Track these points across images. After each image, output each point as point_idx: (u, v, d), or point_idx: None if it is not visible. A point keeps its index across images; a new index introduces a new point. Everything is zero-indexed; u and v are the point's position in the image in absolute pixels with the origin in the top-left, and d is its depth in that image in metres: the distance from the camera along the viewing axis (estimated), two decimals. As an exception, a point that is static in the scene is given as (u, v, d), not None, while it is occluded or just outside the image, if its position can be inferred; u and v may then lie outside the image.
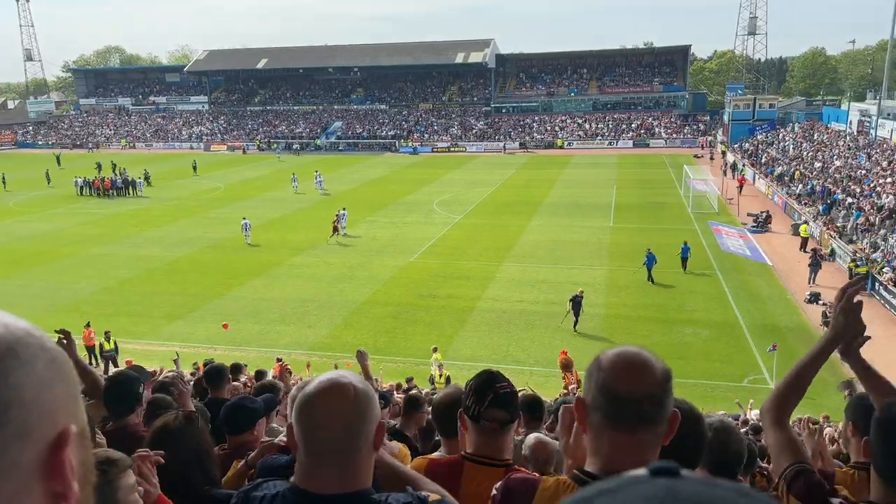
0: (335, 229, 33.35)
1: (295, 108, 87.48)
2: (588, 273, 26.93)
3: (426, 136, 77.45)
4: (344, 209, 35.73)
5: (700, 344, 20.33)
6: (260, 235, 34.42)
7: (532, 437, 3.56)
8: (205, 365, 9.02)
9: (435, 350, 18.17)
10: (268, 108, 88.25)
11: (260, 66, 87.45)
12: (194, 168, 59.03)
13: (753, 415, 13.17)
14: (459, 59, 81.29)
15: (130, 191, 49.21)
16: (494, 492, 1.84)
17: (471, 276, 27.04)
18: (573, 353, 16.42)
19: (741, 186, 41.90)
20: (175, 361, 14.34)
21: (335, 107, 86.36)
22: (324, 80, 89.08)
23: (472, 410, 2.39)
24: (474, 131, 77.41)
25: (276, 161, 66.68)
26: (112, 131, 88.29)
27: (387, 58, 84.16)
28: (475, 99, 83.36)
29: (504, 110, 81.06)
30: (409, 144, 74.62)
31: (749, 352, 19.61)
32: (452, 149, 73.28)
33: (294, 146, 76.54)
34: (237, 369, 9.98)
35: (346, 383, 1.54)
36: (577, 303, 21.19)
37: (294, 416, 1.56)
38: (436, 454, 2.76)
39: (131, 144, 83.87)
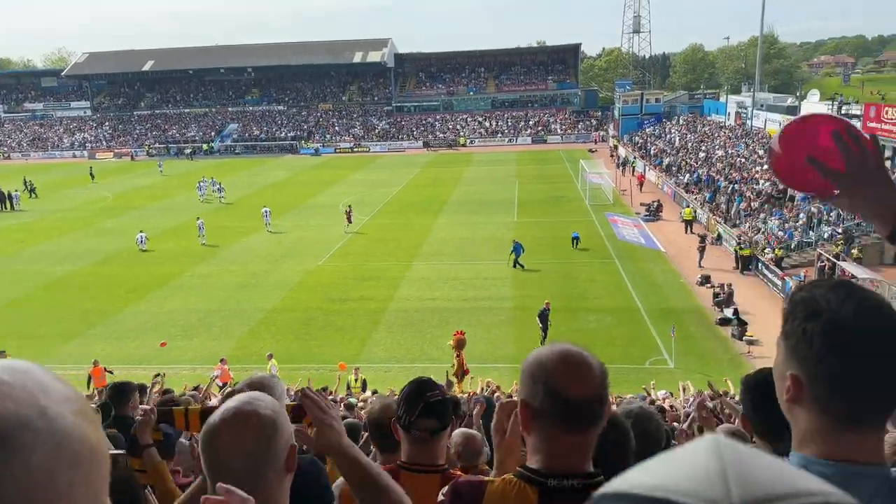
0: (349, 218, 35.06)
1: (186, 111, 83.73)
2: (496, 268, 27.49)
3: (328, 136, 76.34)
4: (265, 207, 36.54)
5: (603, 330, 21.25)
6: (157, 245, 32.79)
7: (458, 433, 3.63)
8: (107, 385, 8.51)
9: (270, 357, 17.78)
10: (157, 111, 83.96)
11: (146, 68, 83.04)
12: (91, 175, 56.36)
13: (659, 394, 13.93)
14: (358, 58, 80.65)
15: (7, 205, 45.44)
16: (441, 497, 1.85)
17: (381, 277, 26.95)
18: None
19: (641, 184, 43.72)
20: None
21: (230, 108, 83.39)
22: (216, 81, 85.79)
23: (403, 420, 2.40)
24: (377, 131, 77.07)
25: (171, 166, 63.56)
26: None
27: (282, 57, 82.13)
28: (376, 98, 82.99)
29: (406, 109, 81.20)
30: (311, 146, 73.27)
31: (649, 335, 20.71)
32: (356, 149, 72.60)
33: (186, 151, 73.22)
34: (143, 391, 9.46)
35: (250, 411, 1.50)
36: (544, 317, 20.24)
37: (199, 447, 1.52)
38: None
39: (5, 155, 77.41)
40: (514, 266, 27.08)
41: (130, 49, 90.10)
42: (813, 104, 43.32)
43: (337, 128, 78.38)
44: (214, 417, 1.53)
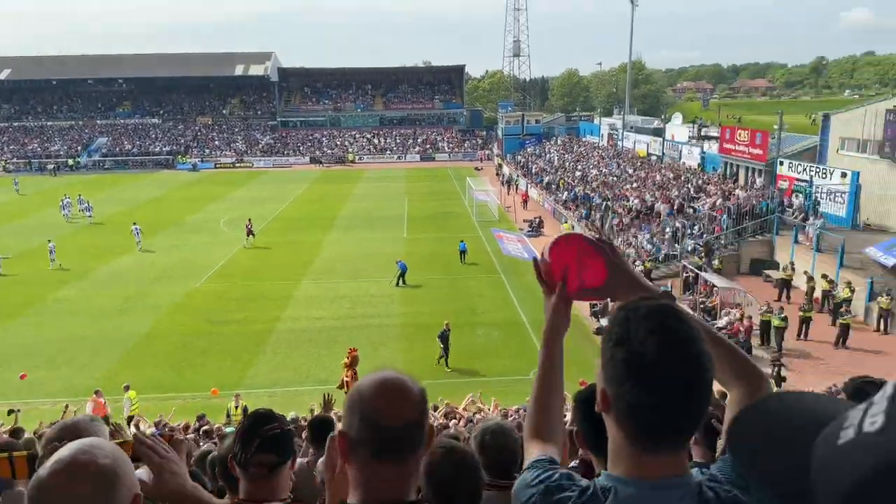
0: (250, 232, 34.46)
1: (49, 123, 77.51)
2: (386, 285, 27.39)
3: (207, 151, 73.26)
4: (136, 224, 34.87)
5: (492, 344, 21.71)
6: (16, 267, 29.96)
7: (321, 462, 3.52)
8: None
9: (127, 388, 16.51)
10: (14, 124, 77.05)
11: (2, 76, 76.18)
12: None
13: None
14: (239, 70, 78.32)
15: None
16: None
17: (267, 297, 26.08)
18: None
19: (525, 202, 45.30)
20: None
21: (98, 121, 78.08)
22: (84, 92, 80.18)
23: (239, 457, 2.29)
24: (260, 146, 74.93)
25: (32, 183, 58.36)
26: None
27: (158, 68, 78.13)
28: (259, 113, 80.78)
29: (291, 124, 79.58)
30: (188, 161, 69.95)
31: (533, 346, 21.36)
32: (238, 164, 70.14)
33: (49, 166, 67.65)
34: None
35: (87, 461, 1.38)
36: (444, 338, 19.80)
37: (27, 501, 1.39)
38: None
39: None
40: (398, 284, 27.14)
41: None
42: (676, 126, 46.86)
43: (217, 142, 75.43)
44: (44, 469, 1.38)
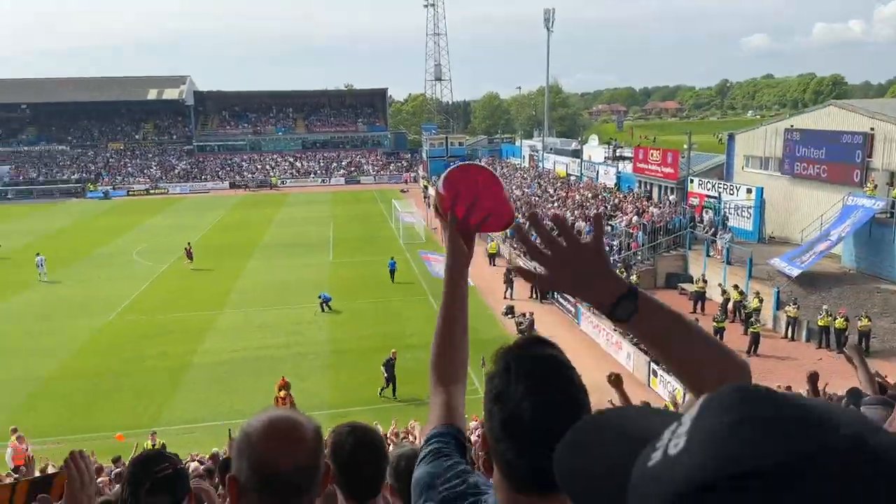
0: (189, 255, 34.28)
1: (-58, 151, 72.36)
2: (312, 310, 26.78)
3: (119, 178, 70.15)
4: (40, 255, 33.09)
5: (421, 366, 21.49)
6: None
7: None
8: None
9: (14, 431, 15.20)
10: None
11: None
12: None
13: (471, 425, 14.26)
14: (153, 94, 75.73)
15: None
16: None
17: (184, 330, 24.95)
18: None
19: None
20: None
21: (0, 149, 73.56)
22: (-19, 117, 75.38)
23: (128, 503, 2.16)
24: (176, 171, 72.43)
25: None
26: None
27: (65, 93, 74.45)
28: (174, 137, 78.22)
29: (209, 149, 77.37)
30: (100, 188, 66.73)
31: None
32: (152, 191, 67.46)
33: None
34: None
35: None
36: (390, 366, 19.35)
37: None
38: None
39: None
40: (323, 310, 26.67)
41: None
42: (593, 147, 48.54)
43: (130, 168, 72.43)
44: None
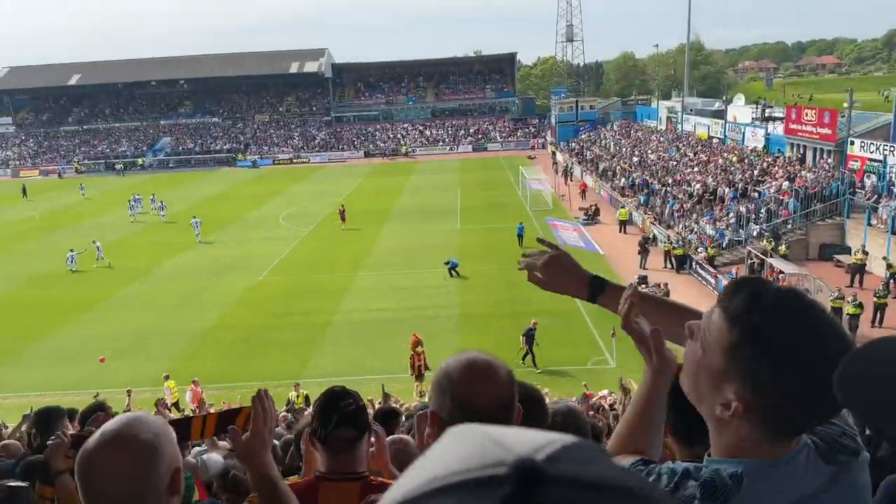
0: (342, 216, 37.18)
1: (116, 125, 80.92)
2: (441, 275, 27.47)
3: (265, 148, 75.05)
4: (195, 217, 36.21)
5: (548, 333, 21.45)
6: (86, 265, 31.44)
7: (390, 438, 3.57)
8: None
9: (167, 378, 17.47)
10: (85, 126, 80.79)
11: (72, 82, 79.85)
12: (24, 192, 54.11)
13: (602, 393, 14.14)
14: (294, 68, 79.71)
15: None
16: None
17: (325, 290, 26.56)
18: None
19: (584, 192, 42.89)
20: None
21: (162, 122, 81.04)
22: (147, 94, 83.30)
23: (319, 433, 2.38)
24: (316, 142, 76.24)
25: (101, 183, 61.09)
26: None
27: (216, 68, 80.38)
28: (314, 109, 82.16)
29: (345, 119, 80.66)
30: (248, 158, 71.86)
31: (591, 336, 21.07)
32: (295, 160, 71.62)
33: (117, 166, 70.66)
34: (72, 416, 8.95)
35: (130, 435, 1.45)
36: (530, 336, 19.21)
37: (76, 474, 1.47)
38: (291, 477, 2.71)
39: (-83, 174, 72.93)
40: (450, 275, 27.23)
41: (55, 63, 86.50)
42: (738, 107, 45.18)
43: (275, 139, 77.16)
44: (90, 442, 1.47)
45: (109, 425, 1.49)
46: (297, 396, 16.20)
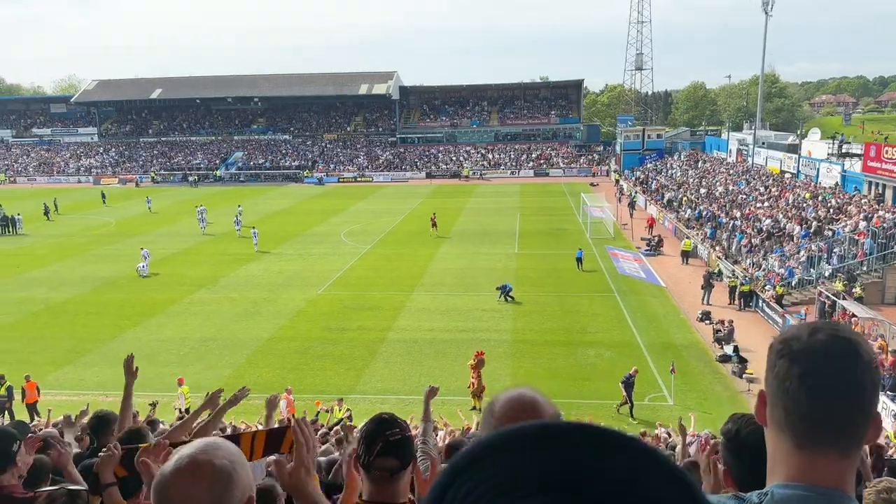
0: (434, 224, 40.64)
1: (193, 138, 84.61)
2: (496, 299, 27.36)
3: (332, 166, 76.89)
4: (254, 228, 39.00)
5: (603, 364, 21.03)
6: (157, 271, 32.80)
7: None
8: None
9: (181, 383, 18.08)
10: (163, 139, 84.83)
11: (154, 95, 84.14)
12: (103, 198, 57.65)
13: (658, 431, 13.69)
14: (363, 90, 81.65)
15: (10, 228, 45.67)
16: None
17: (380, 307, 26.84)
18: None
19: (651, 226, 40.00)
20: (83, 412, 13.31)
21: (235, 137, 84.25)
22: (223, 110, 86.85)
23: (362, 459, 2.36)
24: (381, 161, 77.64)
25: (175, 193, 63.88)
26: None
27: (289, 88, 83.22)
28: (380, 129, 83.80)
29: (409, 140, 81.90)
30: (315, 175, 73.78)
31: (648, 370, 20.48)
32: (359, 179, 73.08)
33: (191, 178, 73.78)
34: (153, 424, 9.32)
35: (205, 461, 1.46)
36: (629, 385, 17.71)
37: (152, 496, 1.48)
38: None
39: (11, 179, 78.03)
40: (505, 300, 27.04)
41: (139, 77, 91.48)
42: (814, 142, 43.59)
43: (341, 157, 78.98)
44: (167, 467, 1.48)
45: (186, 450, 1.50)
46: (339, 411, 16.23)
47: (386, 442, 2.34)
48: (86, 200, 58.70)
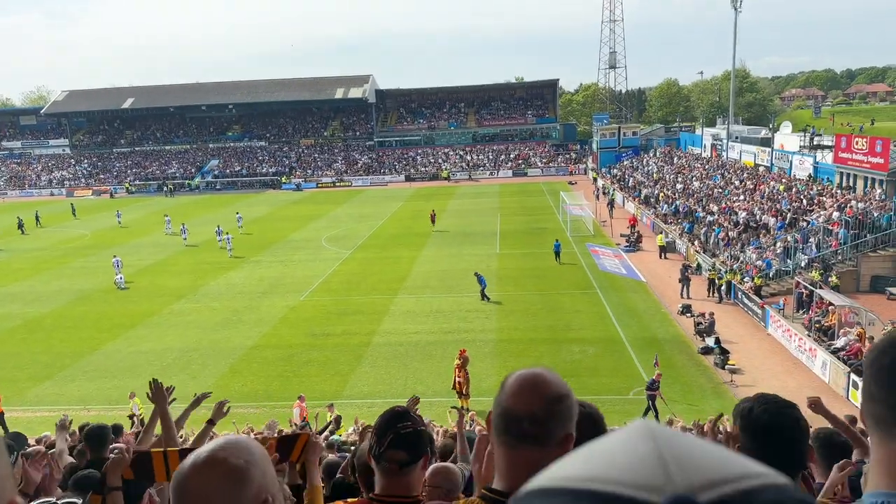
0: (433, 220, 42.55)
1: (167, 147, 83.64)
2: (478, 299, 27.41)
3: (309, 171, 76.48)
4: (228, 234, 39.37)
5: (588, 360, 21.19)
6: (134, 282, 32.37)
7: (432, 466, 3.54)
8: (81, 428, 8.25)
9: (132, 396, 17.82)
10: (136, 148, 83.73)
11: (126, 105, 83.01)
12: (73, 212, 56.59)
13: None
14: (339, 94, 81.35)
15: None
16: None
17: (365, 311, 26.75)
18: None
19: (633, 225, 38.69)
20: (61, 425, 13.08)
21: (210, 145, 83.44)
22: (197, 118, 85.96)
23: (374, 450, 2.36)
24: (359, 165, 77.41)
25: (150, 203, 63.09)
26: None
27: (264, 94, 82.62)
28: (358, 133, 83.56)
29: (387, 144, 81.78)
30: (293, 181, 73.32)
31: (632, 364, 20.68)
32: (338, 184, 72.79)
33: (165, 187, 72.90)
34: (118, 430, 9.18)
35: (220, 458, 1.45)
36: (652, 389, 17.29)
37: (171, 495, 1.47)
38: (350, 500, 2.71)
39: (-20, 193, 76.51)
40: (483, 299, 27.13)
41: (110, 87, 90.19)
42: (786, 135, 44.32)
43: (319, 162, 78.60)
44: (185, 463, 1.48)
45: (205, 447, 1.51)
46: (329, 416, 16.13)
47: (397, 434, 2.34)
48: (59, 213, 57.73)
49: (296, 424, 15.64)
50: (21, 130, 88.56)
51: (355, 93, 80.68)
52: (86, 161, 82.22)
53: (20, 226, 49.33)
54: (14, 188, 77.43)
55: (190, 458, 1.48)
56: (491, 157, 77.39)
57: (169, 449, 3.18)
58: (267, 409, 18.04)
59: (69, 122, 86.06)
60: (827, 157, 36.48)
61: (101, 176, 78.84)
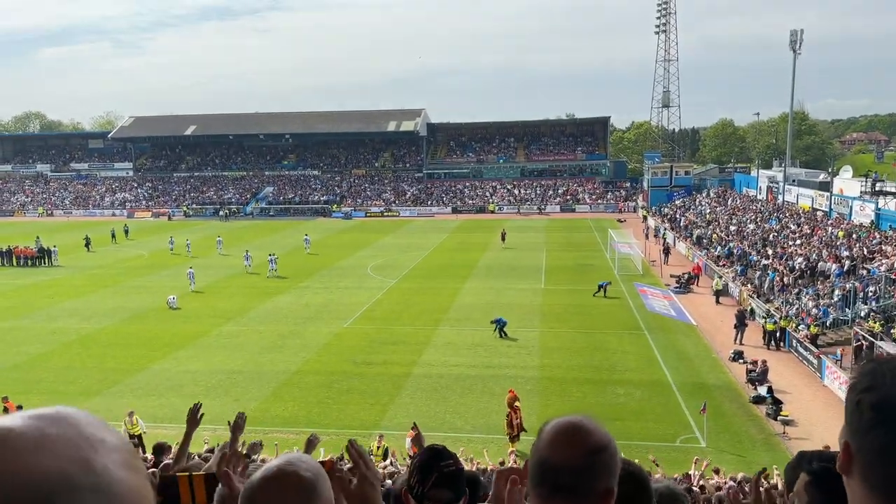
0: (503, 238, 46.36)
1: (225, 173, 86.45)
2: (522, 335, 27.11)
3: (359, 201, 77.78)
4: (272, 254, 40.93)
5: (633, 404, 20.60)
6: (185, 303, 33.21)
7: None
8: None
9: (131, 414, 18.22)
10: (196, 174, 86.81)
11: (188, 132, 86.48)
12: (126, 232, 58.77)
13: (690, 474, 13.31)
14: (392, 127, 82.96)
15: (46, 260, 46.81)
16: None
17: (406, 342, 26.75)
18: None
19: (697, 275, 37.26)
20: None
21: (266, 172, 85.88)
22: (254, 146, 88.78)
23: (415, 490, 2.31)
24: (407, 196, 78.35)
25: (207, 227, 65.04)
26: (29, 198, 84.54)
27: (320, 125, 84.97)
28: (408, 165, 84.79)
29: (436, 176, 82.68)
30: (342, 209, 74.67)
31: (680, 411, 20.00)
32: (386, 213, 73.76)
33: (220, 212, 75.25)
34: (160, 450, 9.32)
35: (291, 471, 1.49)
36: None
37: None
38: None
39: (49, 212, 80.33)
40: (501, 336, 26.85)
41: (174, 114, 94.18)
42: (846, 180, 42.95)
43: (369, 192, 79.91)
44: (255, 478, 1.53)
45: (272, 462, 1.56)
46: (378, 448, 16.13)
47: (441, 473, 2.30)
48: (117, 233, 59.98)
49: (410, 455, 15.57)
50: (89, 153, 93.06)
51: (407, 126, 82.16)
52: (148, 184, 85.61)
53: (87, 244, 51.37)
54: (79, 208, 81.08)
55: (259, 473, 1.53)
56: (539, 191, 77.30)
57: (194, 474, 3.17)
58: (304, 436, 18.06)
59: (134, 146, 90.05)
60: (890, 204, 35.12)
61: (161, 198, 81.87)
